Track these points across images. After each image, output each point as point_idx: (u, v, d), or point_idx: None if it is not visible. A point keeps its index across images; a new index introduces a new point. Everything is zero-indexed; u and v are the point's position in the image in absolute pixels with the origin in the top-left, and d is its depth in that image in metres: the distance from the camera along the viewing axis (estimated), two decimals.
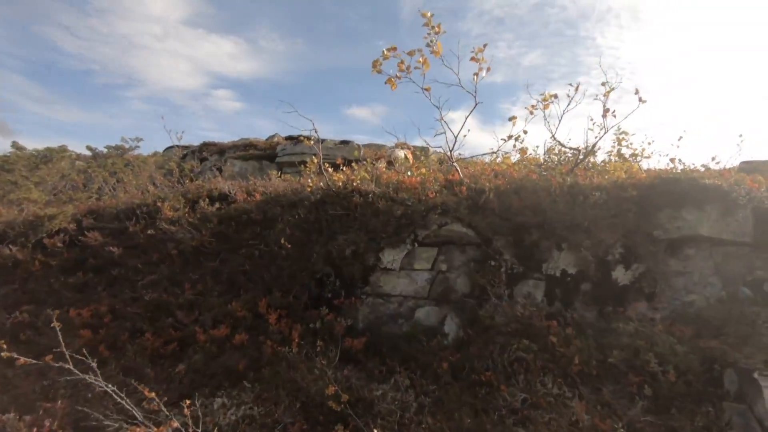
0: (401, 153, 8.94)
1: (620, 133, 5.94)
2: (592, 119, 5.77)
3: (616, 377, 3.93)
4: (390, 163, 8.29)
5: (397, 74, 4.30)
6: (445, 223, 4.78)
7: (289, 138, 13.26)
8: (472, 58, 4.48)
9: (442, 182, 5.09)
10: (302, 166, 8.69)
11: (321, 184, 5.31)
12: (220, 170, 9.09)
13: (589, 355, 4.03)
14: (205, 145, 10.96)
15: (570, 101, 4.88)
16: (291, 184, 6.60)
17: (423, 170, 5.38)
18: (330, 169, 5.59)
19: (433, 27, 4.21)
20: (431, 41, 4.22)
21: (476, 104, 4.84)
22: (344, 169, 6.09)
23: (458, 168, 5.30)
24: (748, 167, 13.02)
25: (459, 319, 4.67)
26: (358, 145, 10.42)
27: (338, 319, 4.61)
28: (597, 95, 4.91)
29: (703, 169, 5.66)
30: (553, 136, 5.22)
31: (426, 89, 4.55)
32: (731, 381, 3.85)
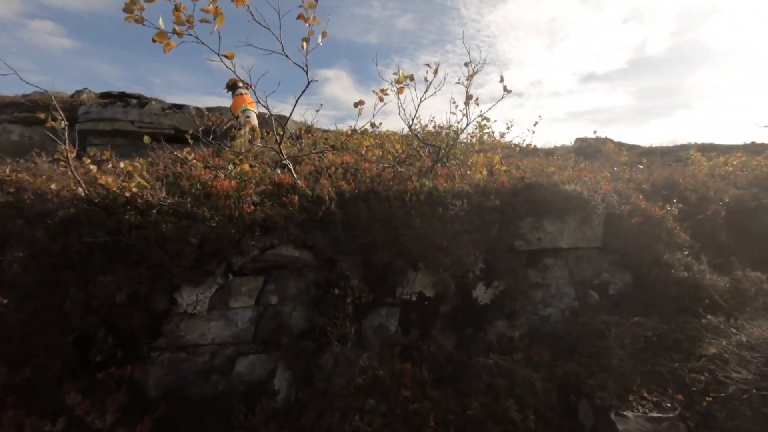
0: (253, 117, 7.08)
1: (482, 119, 5.31)
2: (454, 102, 5.02)
3: (477, 431, 3.34)
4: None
5: (176, 29, 2.70)
6: (271, 245, 3.50)
7: (107, 96, 10.07)
8: (299, 16, 3.10)
9: (269, 187, 3.74)
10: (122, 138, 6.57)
11: (79, 189, 3.46)
12: None
13: (446, 408, 3.32)
14: None
15: (428, 86, 3.93)
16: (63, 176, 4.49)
17: (246, 166, 3.92)
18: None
19: None
20: None
21: (308, 83, 3.52)
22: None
23: (291, 167, 3.99)
24: (584, 145, 14.33)
25: (291, 372, 3.55)
26: (199, 110, 8.20)
27: (110, 396, 3.09)
28: (460, 78, 4.04)
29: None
30: (409, 127, 4.27)
31: (227, 56, 3.05)
32: (587, 415, 3.54)
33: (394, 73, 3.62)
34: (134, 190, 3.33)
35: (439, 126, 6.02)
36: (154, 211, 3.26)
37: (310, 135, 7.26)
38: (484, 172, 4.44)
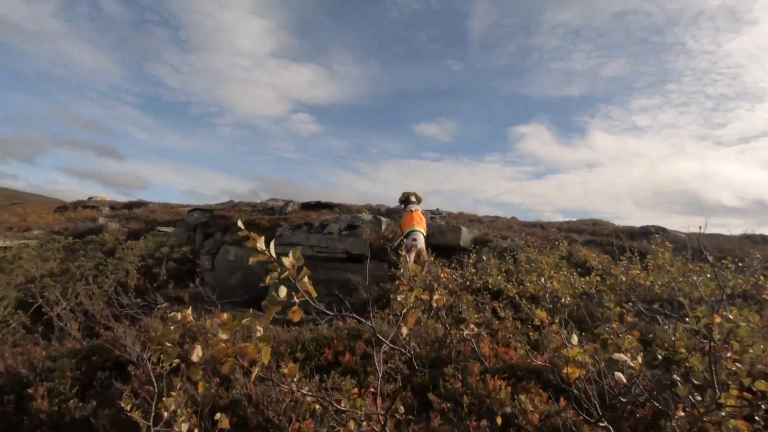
0: (420, 241, 6.31)
1: None
2: None
3: None
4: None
5: None
6: None
7: (307, 206, 10.01)
8: None
9: None
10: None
11: None
12: (214, 257, 7.68)
13: None
14: (214, 219, 9.60)
15: None
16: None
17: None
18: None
19: None
20: None
21: None
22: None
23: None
24: None
25: None
26: (376, 219, 8.20)
27: None
28: None
29: None
30: None
31: None
32: None
33: None
34: None
35: None
36: None
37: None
38: None
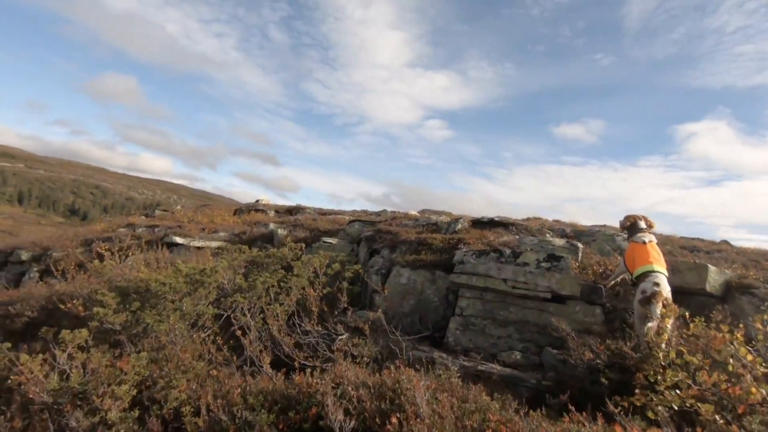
0: (665, 285, 4.42)
1: None
2: None
3: None
4: None
5: None
6: None
7: (478, 223, 8.60)
8: None
9: None
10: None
11: None
12: (384, 278, 7.15)
13: None
14: (379, 234, 9.10)
15: None
16: None
17: None
18: None
19: None
20: None
21: None
22: None
23: None
24: None
25: None
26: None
27: None
28: None
29: None
30: None
31: None
32: None
33: None
34: None
35: None
36: None
37: None
38: None
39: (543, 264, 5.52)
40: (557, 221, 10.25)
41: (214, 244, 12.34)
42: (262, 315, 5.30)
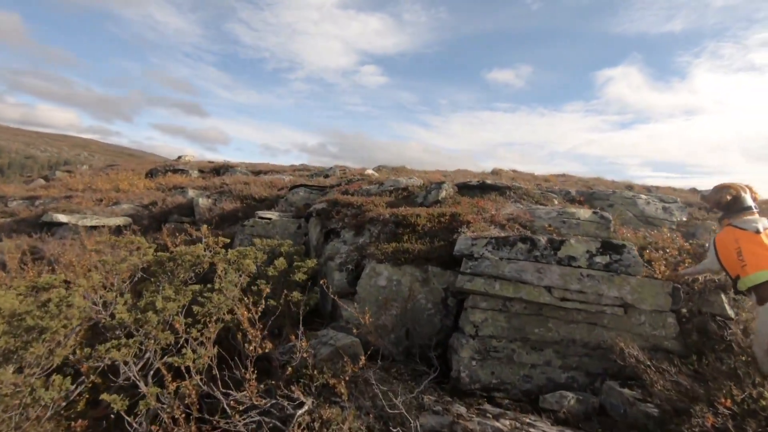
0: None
1: None
2: None
3: None
4: None
5: None
6: None
7: (471, 190, 6.55)
8: None
9: None
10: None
11: None
12: (352, 276, 5.03)
13: None
14: (336, 207, 6.00)
15: None
16: None
17: None
18: None
19: None
20: None
21: None
22: None
23: None
24: None
25: None
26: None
27: None
28: None
29: None
30: None
31: None
32: None
33: None
34: None
35: None
36: None
37: None
38: None
39: (598, 258, 3.74)
40: (548, 180, 8.64)
41: (114, 221, 9.38)
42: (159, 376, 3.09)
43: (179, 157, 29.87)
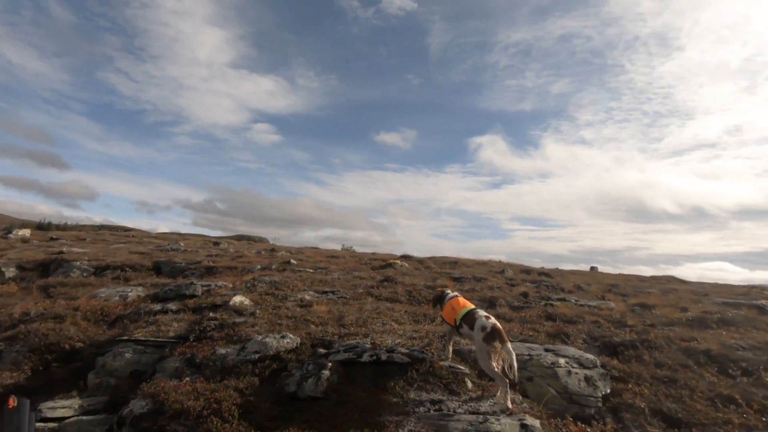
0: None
1: None
2: None
3: None
4: None
5: None
6: None
7: None
8: None
9: None
10: None
11: None
12: None
13: None
14: (161, 417, 4.09)
15: None
16: None
17: None
18: None
19: None
20: None
21: None
22: None
23: None
24: None
25: None
26: None
27: None
28: None
29: None
30: None
31: None
32: None
33: None
34: None
35: None
36: None
37: None
38: None
39: None
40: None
41: None
42: None
43: (8, 232, 23.50)
